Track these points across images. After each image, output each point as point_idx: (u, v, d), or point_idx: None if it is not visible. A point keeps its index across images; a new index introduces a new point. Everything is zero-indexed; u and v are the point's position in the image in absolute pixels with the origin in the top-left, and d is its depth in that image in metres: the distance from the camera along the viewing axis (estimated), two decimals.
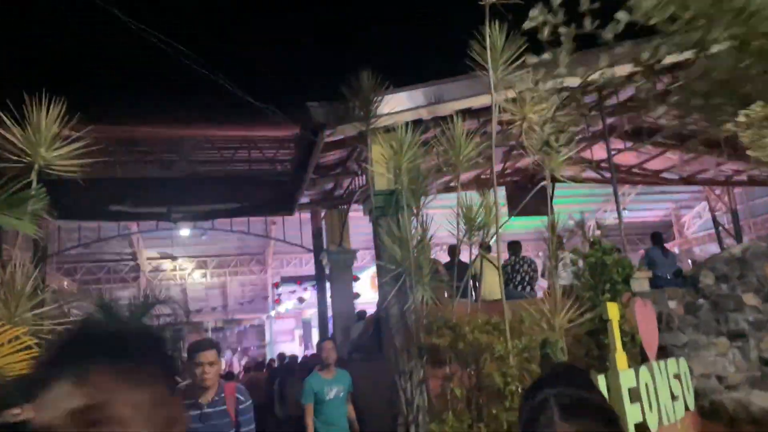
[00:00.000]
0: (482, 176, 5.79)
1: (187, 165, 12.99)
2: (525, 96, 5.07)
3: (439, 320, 4.78)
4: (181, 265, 27.83)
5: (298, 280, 17.58)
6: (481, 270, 7.43)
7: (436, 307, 5.15)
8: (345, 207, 11.06)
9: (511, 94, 5.20)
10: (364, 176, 9.50)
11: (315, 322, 28.38)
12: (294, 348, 24.25)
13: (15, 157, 3.22)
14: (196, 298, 28.37)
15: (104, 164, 12.39)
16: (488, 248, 7.92)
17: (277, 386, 9.74)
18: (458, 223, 5.44)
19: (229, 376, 12.85)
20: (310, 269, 22.89)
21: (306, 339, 26.64)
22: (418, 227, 5.73)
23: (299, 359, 13.05)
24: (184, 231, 12.22)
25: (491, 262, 7.75)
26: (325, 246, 12.01)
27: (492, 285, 7.36)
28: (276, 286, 18.32)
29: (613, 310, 4.08)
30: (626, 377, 3.98)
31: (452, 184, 7.68)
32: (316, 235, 12.62)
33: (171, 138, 13.76)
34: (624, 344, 4.13)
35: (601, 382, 3.80)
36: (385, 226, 6.02)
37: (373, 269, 22.92)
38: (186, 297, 27.23)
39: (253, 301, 27.52)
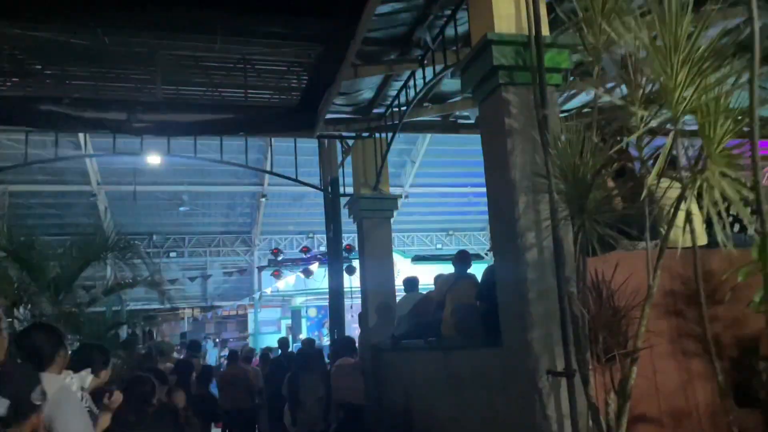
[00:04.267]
0: None
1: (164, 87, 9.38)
2: None
3: None
4: (156, 242, 24.35)
5: (304, 247, 13.99)
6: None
7: None
8: (388, 134, 7.65)
9: None
10: (437, 66, 6.00)
11: (306, 312, 25.37)
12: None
13: None
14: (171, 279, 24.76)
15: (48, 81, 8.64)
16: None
17: (287, 385, 6.29)
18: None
19: (207, 369, 9.37)
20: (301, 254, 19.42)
21: (295, 330, 23.33)
22: None
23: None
24: (154, 158, 8.63)
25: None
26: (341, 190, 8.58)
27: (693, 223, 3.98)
28: (275, 253, 14.73)
29: None
30: None
31: None
32: (331, 175, 9.15)
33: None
34: None
35: None
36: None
37: None
38: (162, 278, 23.65)
39: (238, 283, 24.13)
